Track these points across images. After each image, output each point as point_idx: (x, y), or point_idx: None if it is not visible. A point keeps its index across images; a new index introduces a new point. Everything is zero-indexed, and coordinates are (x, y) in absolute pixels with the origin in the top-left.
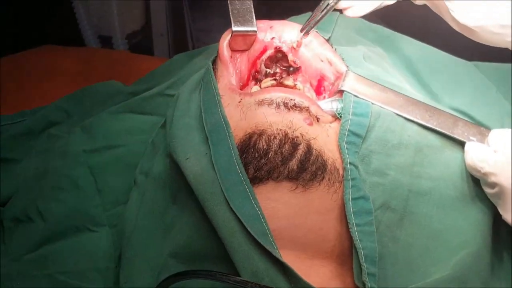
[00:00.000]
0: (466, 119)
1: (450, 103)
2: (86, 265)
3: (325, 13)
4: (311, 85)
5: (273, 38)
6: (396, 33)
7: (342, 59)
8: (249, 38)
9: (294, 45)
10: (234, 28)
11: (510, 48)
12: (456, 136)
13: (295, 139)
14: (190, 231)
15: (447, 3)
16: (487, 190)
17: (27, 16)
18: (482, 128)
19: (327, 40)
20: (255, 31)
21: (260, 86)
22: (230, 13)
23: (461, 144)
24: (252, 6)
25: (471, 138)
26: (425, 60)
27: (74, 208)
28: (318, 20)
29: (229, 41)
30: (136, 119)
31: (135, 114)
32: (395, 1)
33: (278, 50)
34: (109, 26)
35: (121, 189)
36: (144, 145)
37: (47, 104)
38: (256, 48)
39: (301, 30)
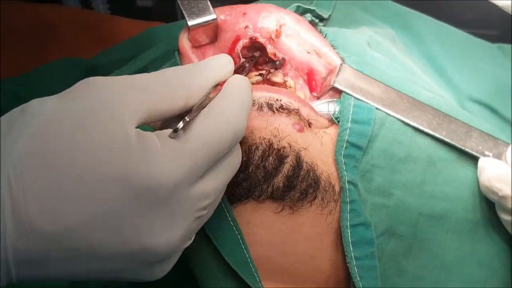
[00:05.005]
0: (487, 112)
1: (470, 93)
2: None
3: None
4: (303, 80)
5: (246, 27)
6: (409, 9)
7: (334, 48)
8: (211, 27)
9: (273, 36)
10: (190, 23)
11: None
12: (468, 149)
13: (282, 150)
14: None
15: None
16: (503, 217)
17: None
18: (499, 140)
19: (317, 24)
20: (215, 19)
21: None
22: (181, 8)
23: (475, 159)
24: None
25: (486, 152)
26: (441, 41)
27: None
28: None
29: (189, 38)
30: None
31: None
32: None
33: (253, 41)
34: None
35: None
36: None
37: None
38: (227, 38)
39: None
